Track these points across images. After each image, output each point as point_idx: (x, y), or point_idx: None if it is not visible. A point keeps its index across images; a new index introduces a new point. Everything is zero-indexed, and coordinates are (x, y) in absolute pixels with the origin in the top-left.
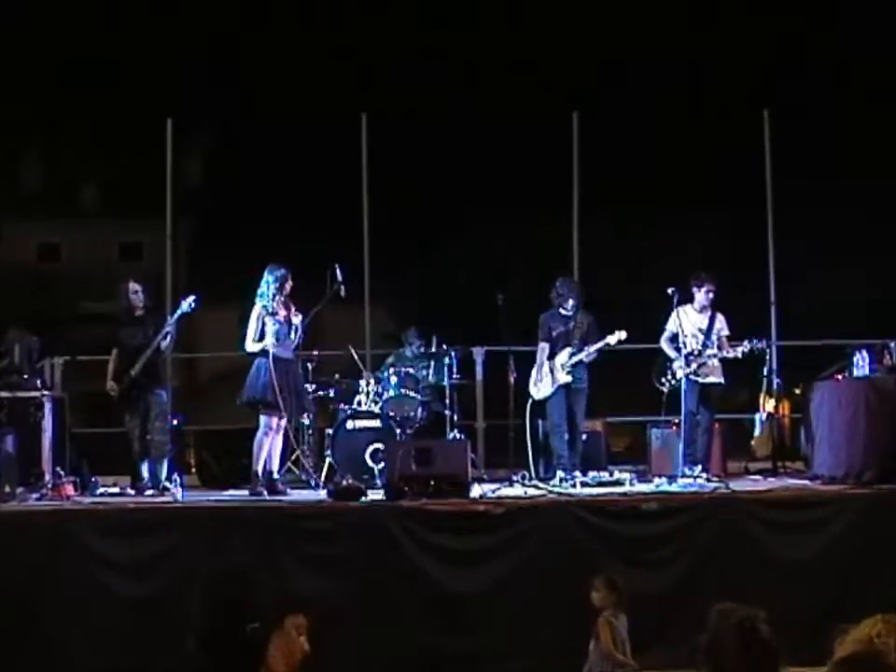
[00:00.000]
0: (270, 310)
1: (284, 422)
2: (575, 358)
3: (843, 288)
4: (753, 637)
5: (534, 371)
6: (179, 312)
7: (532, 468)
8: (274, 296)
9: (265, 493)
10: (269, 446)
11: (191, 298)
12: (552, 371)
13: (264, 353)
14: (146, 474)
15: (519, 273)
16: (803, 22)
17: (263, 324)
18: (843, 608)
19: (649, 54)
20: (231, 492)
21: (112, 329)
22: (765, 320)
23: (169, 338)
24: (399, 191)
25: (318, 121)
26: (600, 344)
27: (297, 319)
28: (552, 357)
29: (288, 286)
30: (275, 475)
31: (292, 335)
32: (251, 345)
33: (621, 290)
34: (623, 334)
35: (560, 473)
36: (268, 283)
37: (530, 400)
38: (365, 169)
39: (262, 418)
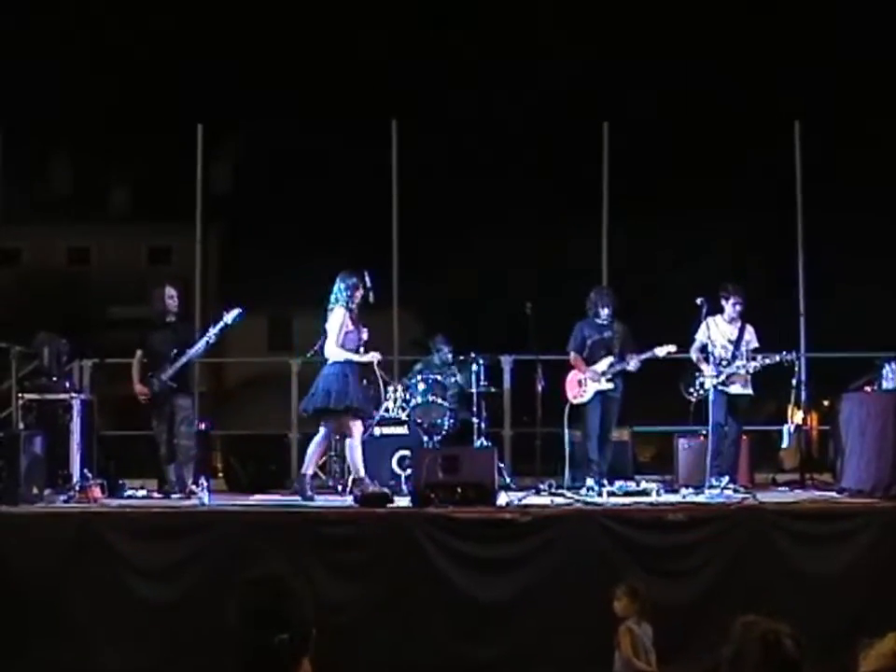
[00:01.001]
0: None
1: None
2: (620, 367)
3: (872, 300)
4: (776, 651)
5: (571, 377)
6: (222, 324)
7: (562, 476)
8: (348, 302)
9: (312, 496)
10: (360, 451)
11: (235, 311)
12: (591, 379)
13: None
14: (172, 478)
15: (548, 282)
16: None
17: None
18: (868, 621)
19: (675, 58)
20: (258, 497)
21: (142, 331)
22: (794, 331)
23: (204, 348)
24: (429, 197)
25: (348, 126)
26: (647, 355)
27: (365, 334)
28: (589, 365)
29: (359, 294)
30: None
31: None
32: (336, 352)
33: (648, 300)
34: (672, 347)
35: (589, 481)
36: (341, 290)
37: (567, 406)
38: (395, 174)
39: (356, 423)
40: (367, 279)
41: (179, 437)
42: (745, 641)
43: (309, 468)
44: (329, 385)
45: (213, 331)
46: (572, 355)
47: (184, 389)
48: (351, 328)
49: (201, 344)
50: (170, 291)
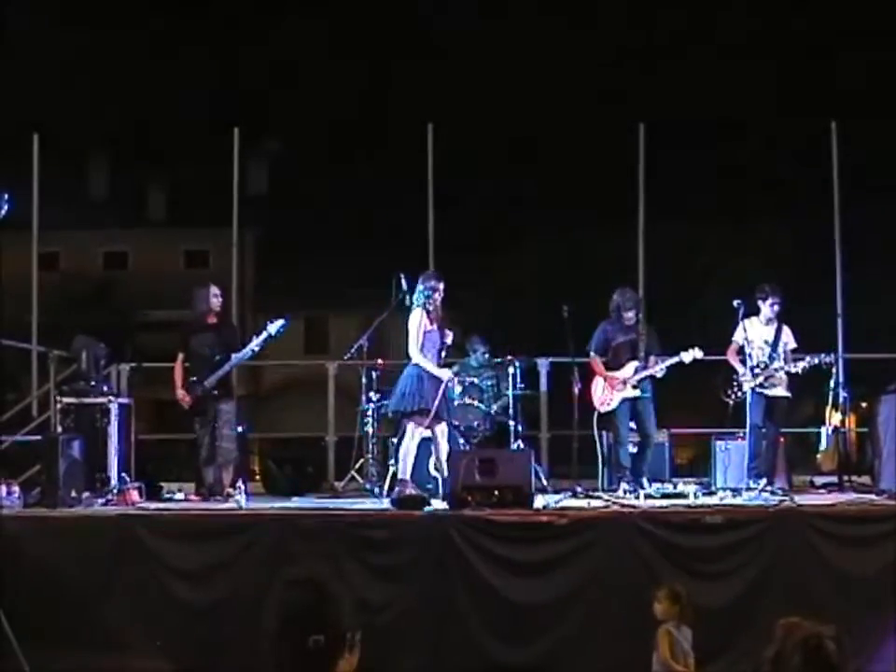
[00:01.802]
0: (426, 319)
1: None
2: (644, 373)
3: None
4: (817, 655)
5: (595, 384)
6: (266, 335)
7: (599, 479)
8: (425, 303)
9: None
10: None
11: (280, 322)
12: (616, 388)
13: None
14: (210, 480)
15: (585, 285)
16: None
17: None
18: None
19: (708, 63)
20: (296, 500)
21: (182, 334)
22: (832, 332)
23: (248, 356)
24: (466, 201)
25: (385, 130)
26: (674, 360)
27: (449, 338)
28: (613, 368)
29: (437, 295)
30: None
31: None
32: (416, 354)
33: (685, 302)
34: (699, 353)
35: (624, 486)
36: (420, 291)
37: (596, 413)
38: (431, 178)
39: (442, 426)
40: (403, 282)
41: (221, 440)
42: (786, 644)
43: (405, 472)
44: (404, 387)
45: (257, 341)
46: (592, 356)
47: (227, 394)
48: (430, 328)
49: (245, 353)
50: (214, 290)
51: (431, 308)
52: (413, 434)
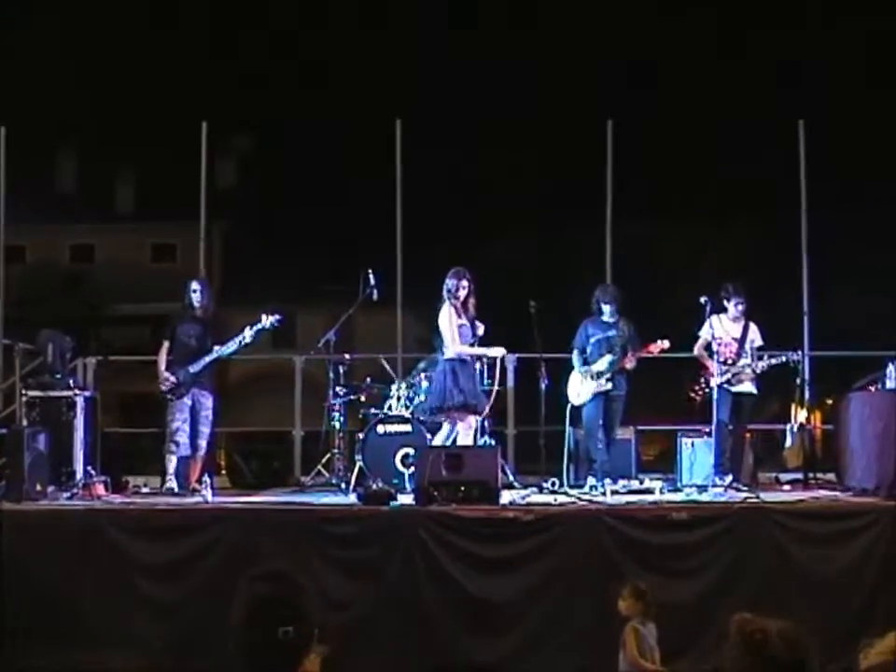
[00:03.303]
0: (456, 314)
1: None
2: (616, 366)
3: (876, 299)
4: (760, 651)
5: (573, 377)
6: (259, 326)
7: (564, 475)
8: (450, 300)
9: None
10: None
11: (275, 317)
12: (590, 377)
13: (457, 356)
14: (171, 472)
15: (552, 281)
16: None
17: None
18: (872, 620)
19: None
20: (262, 494)
21: (170, 322)
22: (798, 330)
23: (237, 347)
24: (434, 196)
25: (353, 125)
26: (641, 353)
27: (480, 329)
28: (589, 363)
29: (462, 292)
30: None
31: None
32: (457, 347)
33: (652, 298)
34: (665, 343)
35: (591, 480)
36: (446, 287)
37: (569, 406)
38: (399, 174)
39: (473, 419)
40: (371, 277)
41: (197, 435)
42: (734, 640)
43: None
44: (440, 384)
45: (249, 333)
46: (576, 352)
47: (207, 386)
48: (461, 321)
49: (233, 343)
50: (193, 286)
51: (457, 303)
52: (461, 430)
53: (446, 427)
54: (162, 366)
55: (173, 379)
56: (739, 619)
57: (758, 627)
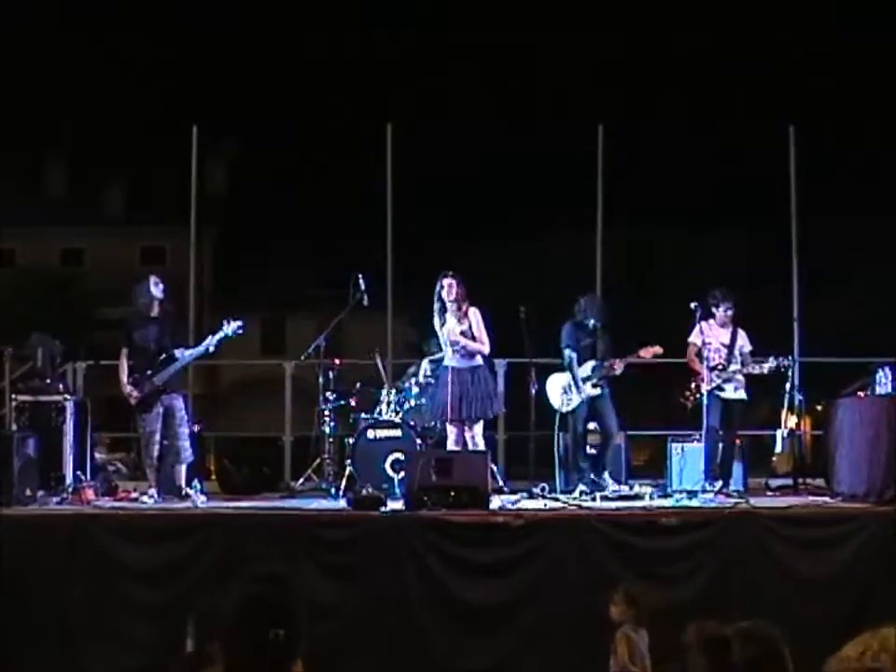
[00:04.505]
0: (438, 319)
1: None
2: (603, 372)
3: (867, 305)
4: (726, 653)
5: (553, 381)
6: (222, 334)
7: (557, 480)
8: (435, 303)
9: None
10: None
11: (236, 323)
12: (577, 382)
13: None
14: (152, 479)
15: (541, 286)
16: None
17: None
18: (860, 625)
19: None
20: (251, 499)
21: (125, 329)
22: (788, 336)
23: (200, 355)
24: (425, 202)
25: (344, 130)
26: (632, 358)
27: (473, 320)
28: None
29: (444, 292)
30: None
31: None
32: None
33: (643, 304)
34: (658, 349)
35: (581, 486)
36: (435, 291)
37: (558, 413)
38: (390, 178)
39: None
40: (361, 282)
41: (176, 438)
42: (696, 649)
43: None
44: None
45: (212, 340)
46: (571, 353)
47: (176, 389)
48: (449, 322)
49: (197, 351)
50: (155, 279)
51: (439, 305)
52: (478, 433)
53: (452, 432)
54: (124, 376)
55: (137, 394)
56: (695, 627)
57: (715, 632)
